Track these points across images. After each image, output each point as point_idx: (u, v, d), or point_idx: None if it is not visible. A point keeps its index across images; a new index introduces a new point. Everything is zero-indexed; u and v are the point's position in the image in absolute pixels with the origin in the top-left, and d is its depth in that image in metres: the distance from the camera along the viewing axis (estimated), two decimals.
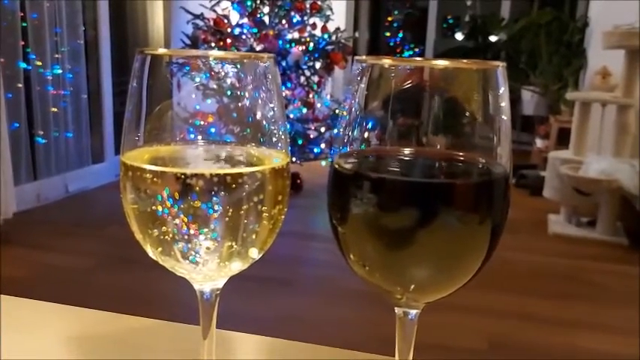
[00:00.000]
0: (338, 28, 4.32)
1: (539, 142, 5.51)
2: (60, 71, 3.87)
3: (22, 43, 3.57)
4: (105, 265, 2.80)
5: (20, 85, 3.57)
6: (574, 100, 4.00)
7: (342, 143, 0.38)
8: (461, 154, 0.36)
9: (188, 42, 4.08)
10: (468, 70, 0.33)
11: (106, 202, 4.02)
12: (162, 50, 0.37)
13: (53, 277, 2.67)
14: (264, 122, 0.41)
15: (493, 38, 6.81)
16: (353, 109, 0.37)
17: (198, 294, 0.42)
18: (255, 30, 4.05)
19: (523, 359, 2.13)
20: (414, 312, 0.38)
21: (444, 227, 0.34)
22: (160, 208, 0.36)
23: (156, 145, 0.40)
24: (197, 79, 0.38)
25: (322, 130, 4.28)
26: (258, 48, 4.04)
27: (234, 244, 0.37)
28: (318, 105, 4.29)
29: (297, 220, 3.43)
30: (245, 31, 4.07)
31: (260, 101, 0.40)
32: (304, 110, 4.20)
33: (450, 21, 7.75)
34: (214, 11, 4.08)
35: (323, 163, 4.38)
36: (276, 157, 0.40)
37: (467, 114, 0.34)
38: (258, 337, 0.58)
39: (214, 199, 0.36)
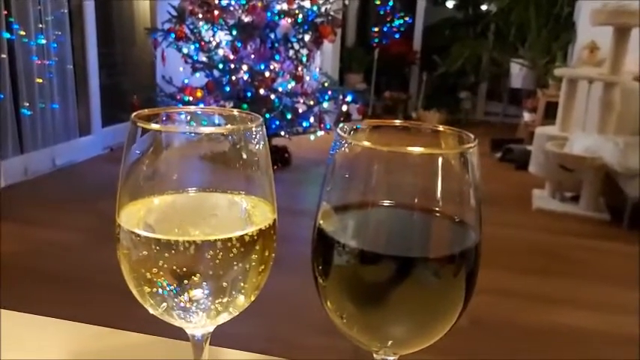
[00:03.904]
0: None
1: (526, 116, 5.54)
2: (44, 41, 3.81)
3: (5, 12, 3.50)
4: (95, 240, 2.82)
5: (4, 56, 3.51)
6: (562, 76, 4.02)
7: (326, 202, 0.40)
8: (435, 223, 0.38)
9: (174, 14, 4.01)
10: (443, 155, 0.36)
11: (94, 175, 4.02)
12: (154, 125, 0.38)
13: (44, 253, 2.70)
14: (252, 176, 0.43)
15: (484, 7, 6.78)
16: (334, 174, 0.39)
17: (189, 336, 0.45)
18: (243, 1, 3.99)
19: (504, 335, 2.21)
20: (391, 358, 0.42)
21: (420, 293, 0.37)
22: (150, 270, 0.38)
23: (150, 197, 0.42)
24: (188, 147, 0.40)
25: (311, 103, 4.27)
26: (246, 20, 3.98)
27: (223, 300, 0.40)
28: (307, 78, 4.27)
29: (284, 195, 3.46)
30: (233, 2, 4.00)
31: (248, 157, 0.42)
32: (293, 84, 4.18)
33: None
34: None
35: (312, 137, 4.39)
36: (263, 211, 0.43)
37: (443, 188, 0.36)
38: (251, 355, 0.61)
39: (204, 262, 0.38)
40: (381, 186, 0.37)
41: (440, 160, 0.36)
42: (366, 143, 0.36)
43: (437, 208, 0.37)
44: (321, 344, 2.03)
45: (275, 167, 4.16)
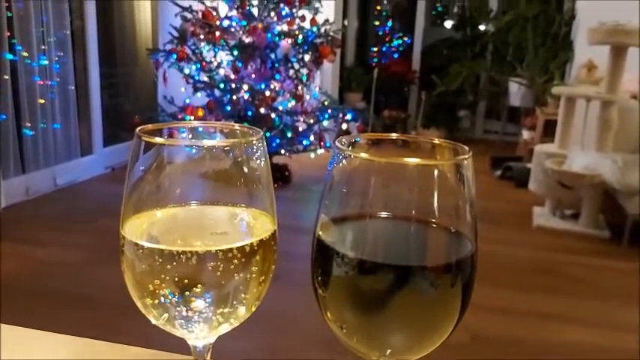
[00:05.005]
0: (327, 20, 4.32)
1: (525, 134, 5.57)
2: (47, 62, 3.85)
3: (8, 34, 3.54)
4: (96, 259, 2.82)
5: (7, 77, 3.54)
6: (559, 94, 4.06)
7: (324, 214, 0.41)
8: (432, 233, 0.39)
9: (176, 35, 4.06)
10: (438, 166, 0.37)
11: (95, 194, 4.03)
12: (158, 139, 0.39)
13: (44, 272, 2.70)
14: (253, 189, 0.44)
15: (481, 27, 6.85)
16: (333, 186, 0.40)
17: (191, 348, 0.45)
18: (244, 23, 4.04)
19: (504, 352, 2.20)
20: None
21: (417, 302, 0.38)
22: (153, 281, 0.39)
23: (153, 210, 0.43)
24: (191, 160, 0.41)
25: (311, 122, 4.30)
26: (247, 40, 4.03)
27: (224, 310, 0.41)
28: (307, 97, 4.31)
29: (284, 212, 3.46)
30: (234, 23, 4.06)
31: (249, 171, 0.43)
32: (293, 102, 4.21)
33: (439, 9, 7.76)
34: (203, 3, 4.07)
35: (312, 155, 4.41)
36: (264, 223, 0.44)
37: (439, 199, 0.37)
38: None
39: (206, 272, 0.39)
40: (378, 197, 0.38)
41: (435, 171, 0.37)
42: (364, 155, 0.37)
43: (433, 219, 0.38)
44: (320, 359, 2.02)
45: (275, 185, 4.13)
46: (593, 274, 3.02)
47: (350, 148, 0.41)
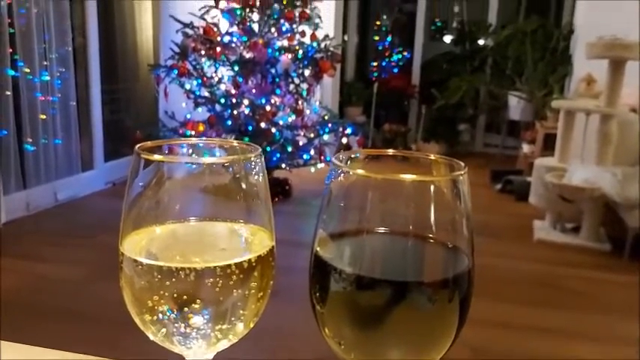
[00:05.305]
0: (327, 36, 4.35)
1: (525, 148, 5.57)
2: (48, 78, 3.87)
3: (10, 50, 3.56)
4: (96, 275, 2.82)
5: (8, 93, 3.56)
6: (559, 108, 4.07)
7: (322, 230, 0.41)
8: (429, 249, 0.39)
9: (177, 50, 4.09)
10: (435, 182, 0.37)
11: (95, 210, 4.03)
12: (157, 156, 0.40)
13: (44, 288, 2.69)
14: (252, 205, 0.44)
15: (480, 42, 6.90)
16: (330, 202, 0.40)
17: None
18: (244, 38, 4.07)
19: None
20: None
21: (414, 317, 0.38)
22: (152, 297, 0.40)
23: (152, 227, 0.44)
24: (190, 177, 0.41)
25: (311, 136, 4.32)
26: (247, 56, 4.06)
27: (223, 326, 0.41)
28: (307, 112, 4.33)
29: (284, 227, 3.46)
30: (234, 39, 4.09)
31: (247, 187, 0.43)
32: (293, 117, 4.23)
33: (439, 24, 7.81)
34: (204, 19, 4.10)
35: (312, 169, 4.42)
36: (262, 239, 0.44)
37: (435, 215, 0.38)
38: None
39: (205, 289, 0.39)
40: (375, 213, 0.39)
41: (431, 186, 0.37)
42: (360, 171, 0.37)
43: (430, 234, 0.39)
44: None
45: (276, 199, 4.17)
46: (594, 287, 3.01)
47: (348, 163, 0.42)
